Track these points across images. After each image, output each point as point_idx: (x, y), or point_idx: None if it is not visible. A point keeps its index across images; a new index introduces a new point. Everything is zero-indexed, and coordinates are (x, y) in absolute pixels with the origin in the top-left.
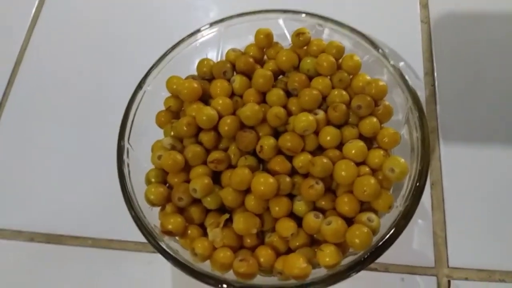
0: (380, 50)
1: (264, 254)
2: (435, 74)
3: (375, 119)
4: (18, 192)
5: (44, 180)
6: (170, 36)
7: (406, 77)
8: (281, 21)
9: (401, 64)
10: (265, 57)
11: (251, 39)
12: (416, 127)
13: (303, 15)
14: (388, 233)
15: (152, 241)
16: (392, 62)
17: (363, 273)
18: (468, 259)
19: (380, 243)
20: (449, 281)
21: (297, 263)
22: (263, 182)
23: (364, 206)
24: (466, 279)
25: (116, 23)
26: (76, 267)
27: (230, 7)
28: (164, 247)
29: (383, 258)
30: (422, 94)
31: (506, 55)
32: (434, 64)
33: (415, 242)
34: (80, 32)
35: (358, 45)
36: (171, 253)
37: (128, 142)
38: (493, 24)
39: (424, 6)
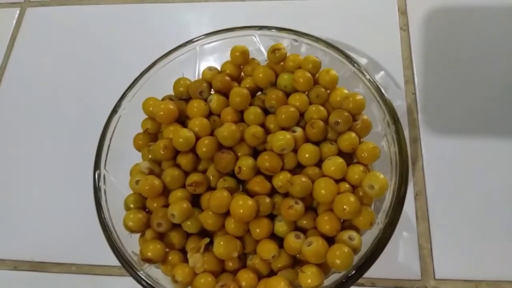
0: (355, 65)
1: (246, 278)
2: (415, 82)
3: (353, 134)
4: None
5: (25, 207)
6: (146, 55)
7: (383, 90)
8: (256, 38)
9: (381, 73)
10: (242, 73)
11: (228, 55)
12: (394, 141)
13: (278, 31)
14: (369, 252)
15: (130, 271)
16: (368, 77)
17: None
18: (454, 270)
19: (362, 263)
20: None
21: (278, 287)
22: (242, 205)
23: (346, 224)
24: None
25: (93, 43)
26: None
27: (206, 24)
28: (143, 276)
29: (369, 273)
30: (403, 103)
31: (487, 60)
32: (414, 72)
33: (400, 255)
34: (54, 54)
35: (334, 60)
36: (150, 282)
37: (105, 168)
38: (473, 29)
39: (403, 13)
